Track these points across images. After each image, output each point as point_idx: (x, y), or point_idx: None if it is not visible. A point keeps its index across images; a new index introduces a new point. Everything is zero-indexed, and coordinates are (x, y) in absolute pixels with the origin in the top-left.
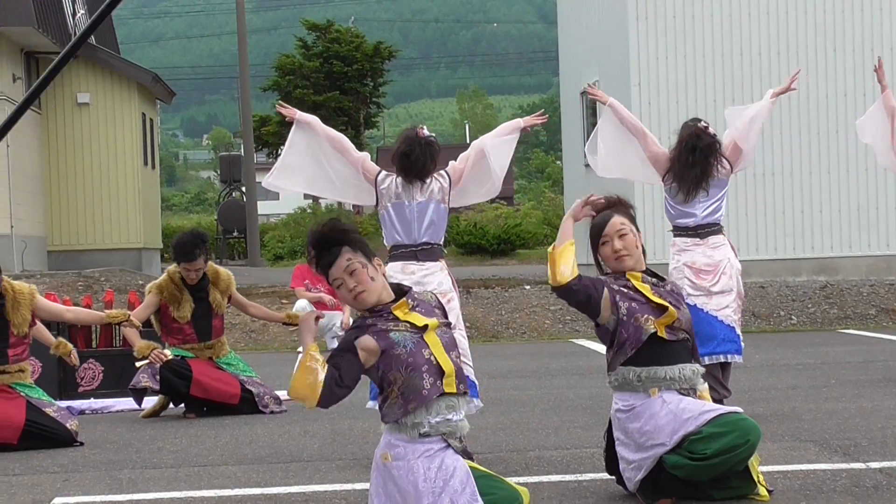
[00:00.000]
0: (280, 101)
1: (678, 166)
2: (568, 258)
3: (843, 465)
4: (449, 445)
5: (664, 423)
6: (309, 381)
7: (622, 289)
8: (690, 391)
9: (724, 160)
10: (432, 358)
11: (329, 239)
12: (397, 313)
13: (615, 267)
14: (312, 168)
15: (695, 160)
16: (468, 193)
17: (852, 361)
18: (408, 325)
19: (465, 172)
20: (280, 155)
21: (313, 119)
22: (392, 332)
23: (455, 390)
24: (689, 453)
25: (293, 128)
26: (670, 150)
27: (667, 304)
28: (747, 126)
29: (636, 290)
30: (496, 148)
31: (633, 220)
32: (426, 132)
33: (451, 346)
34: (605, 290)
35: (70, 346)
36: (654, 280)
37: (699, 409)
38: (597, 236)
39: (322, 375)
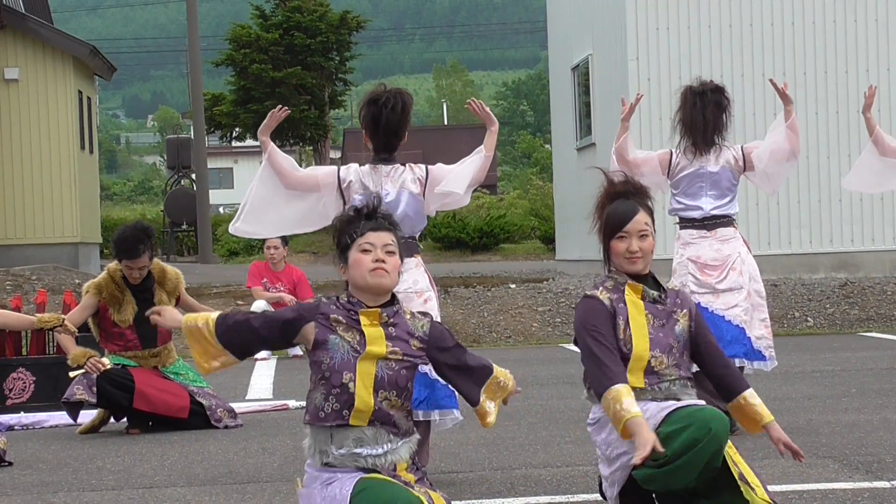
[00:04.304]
0: (273, 114)
1: (687, 115)
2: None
3: (865, 484)
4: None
5: None
6: (196, 333)
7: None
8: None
9: (739, 147)
10: (350, 385)
11: (382, 215)
12: (363, 318)
13: (624, 266)
14: (273, 212)
15: (705, 103)
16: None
17: (875, 368)
18: (358, 337)
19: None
20: (248, 193)
21: (273, 154)
22: (334, 335)
23: (365, 424)
24: (653, 461)
25: (263, 162)
26: (672, 119)
27: (647, 337)
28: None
29: (624, 317)
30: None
31: (653, 216)
32: None
33: (386, 385)
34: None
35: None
36: (654, 294)
37: (656, 409)
38: (616, 227)
39: (207, 321)
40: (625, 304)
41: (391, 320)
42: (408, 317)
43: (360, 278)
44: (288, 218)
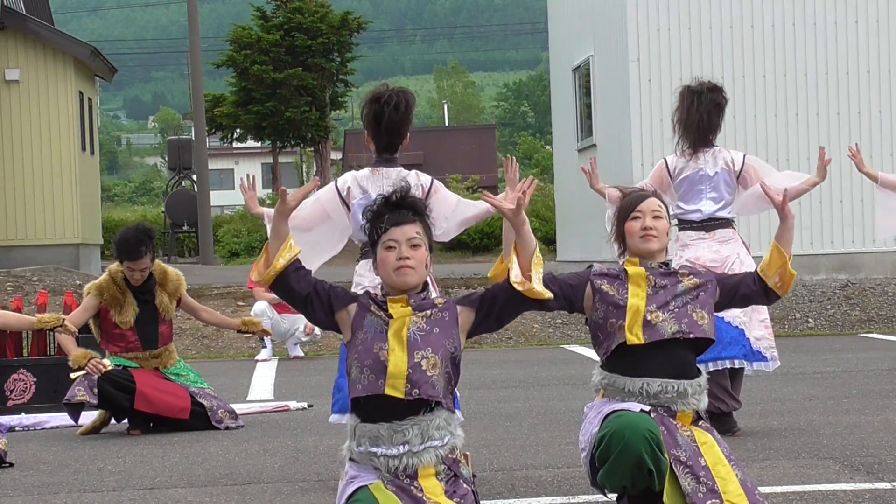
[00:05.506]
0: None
1: (682, 114)
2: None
3: (866, 485)
4: (381, 477)
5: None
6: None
7: (606, 288)
8: (660, 408)
9: (742, 156)
10: (382, 353)
11: (410, 202)
12: (391, 304)
13: (639, 246)
14: (308, 245)
15: (700, 101)
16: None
17: (877, 369)
18: (386, 316)
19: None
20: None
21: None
22: (369, 314)
23: (401, 394)
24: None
25: (269, 225)
26: (672, 119)
27: (644, 295)
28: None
29: (622, 279)
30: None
31: (667, 208)
32: None
33: (420, 344)
34: (588, 286)
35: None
36: (655, 264)
37: (595, 413)
38: (629, 209)
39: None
40: (625, 272)
41: (417, 303)
42: (433, 295)
43: (386, 277)
44: (319, 245)
